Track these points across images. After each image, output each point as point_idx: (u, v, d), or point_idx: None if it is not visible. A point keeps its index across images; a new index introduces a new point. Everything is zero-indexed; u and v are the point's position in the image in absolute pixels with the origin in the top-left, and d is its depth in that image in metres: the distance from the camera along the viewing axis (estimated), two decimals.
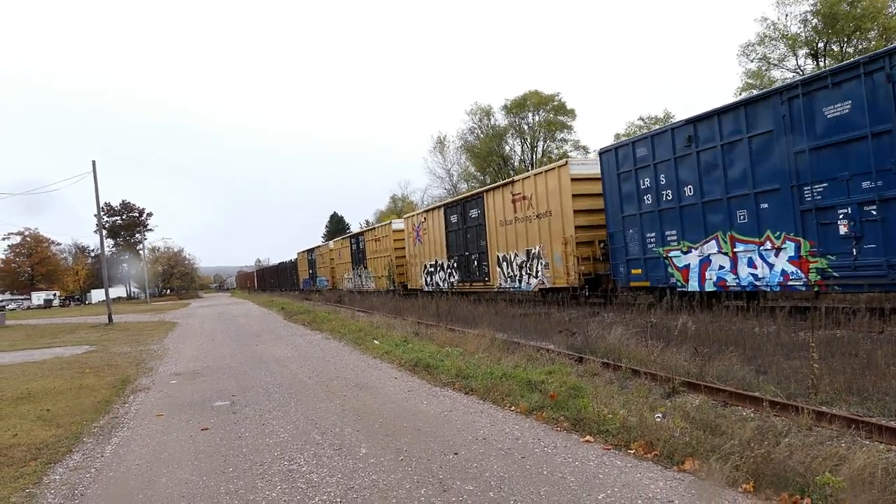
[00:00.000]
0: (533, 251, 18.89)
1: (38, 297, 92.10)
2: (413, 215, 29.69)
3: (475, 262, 22.92)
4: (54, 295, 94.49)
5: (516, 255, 19.84)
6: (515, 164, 64.73)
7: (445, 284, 25.40)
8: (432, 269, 26.82)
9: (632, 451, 5.12)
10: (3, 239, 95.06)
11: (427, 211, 28.07)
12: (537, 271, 18.71)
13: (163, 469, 5.68)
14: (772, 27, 40.20)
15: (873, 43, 36.03)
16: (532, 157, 63.97)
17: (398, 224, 32.18)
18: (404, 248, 30.59)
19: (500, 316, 15.84)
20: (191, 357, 14.26)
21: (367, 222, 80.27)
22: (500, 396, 7.29)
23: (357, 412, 7.31)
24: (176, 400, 9.04)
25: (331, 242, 47.96)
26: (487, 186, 22.60)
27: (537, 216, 18.59)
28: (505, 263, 20.63)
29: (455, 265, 24.62)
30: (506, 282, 20.59)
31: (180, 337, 20.64)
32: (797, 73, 39.86)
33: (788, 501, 3.90)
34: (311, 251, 54.70)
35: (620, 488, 4.39)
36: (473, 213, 22.97)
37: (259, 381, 10.10)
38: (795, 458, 4.35)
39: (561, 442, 5.58)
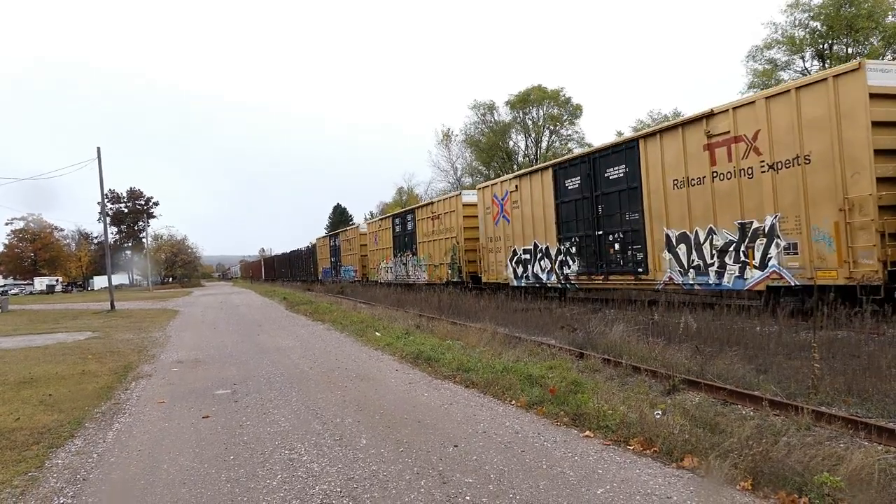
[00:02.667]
0: (755, 226, 11.80)
1: (40, 283, 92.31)
2: (495, 184, 21.54)
3: (615, 246, 15.47)
4: (57, 281, 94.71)
5: (712, 232, 12.54)
6: (520, 158, 64.64)
7: (553, 277, 18.03)
8: (527, 257, 19.32)
9: (631, 447, 5.14)
10: (7, 224, 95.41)
11: (520, 176, 19.83)
12: (766, 258, 11.68)
13: (164, 455, 5.72)
14: (779, 31, 40.06)
15: (876, 45, 35.94)
16: (536, 153, 63.85)
17: (469, 196, 24.07)
18: (477, 227, 22.83)
19: (501, 310, 15.85)
20: (193, 345, 14.31)
21: (372, 214, 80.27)
22: (501, 390, 7.32)
23: (358, 403, 7.34)
24: (178, 387, 9.09)
25: (362, 225, 40.37)
26: (646, 130, 14.79)
27: (770, 167, 11.45)
28: (683, 246, 13.35)
29: (573, 250, 17.03)
30: (684, 274, 13.36)
31: (182, 325, 20.70)
32: (804, 74, 39.75)
33: (786, 500, 3.92)
34: (334, 236, 47.07)
35: (619, 483, 4.41)
36: (613, 172, 15.47)
37: (261, 370, 10.14)
38: (794, 457, 4.36)
39: (561, 437, 5.60)
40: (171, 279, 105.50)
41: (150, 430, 6.75)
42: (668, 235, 13.87)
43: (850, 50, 37.88)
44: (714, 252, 12.63)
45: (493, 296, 19.95)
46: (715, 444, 4.74)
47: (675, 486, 4.31)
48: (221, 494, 4.63)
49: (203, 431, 6.49)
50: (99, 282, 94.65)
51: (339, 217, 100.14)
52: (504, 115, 65.60)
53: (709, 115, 12.56)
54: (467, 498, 4.30)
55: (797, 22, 39.32)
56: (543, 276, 18.61)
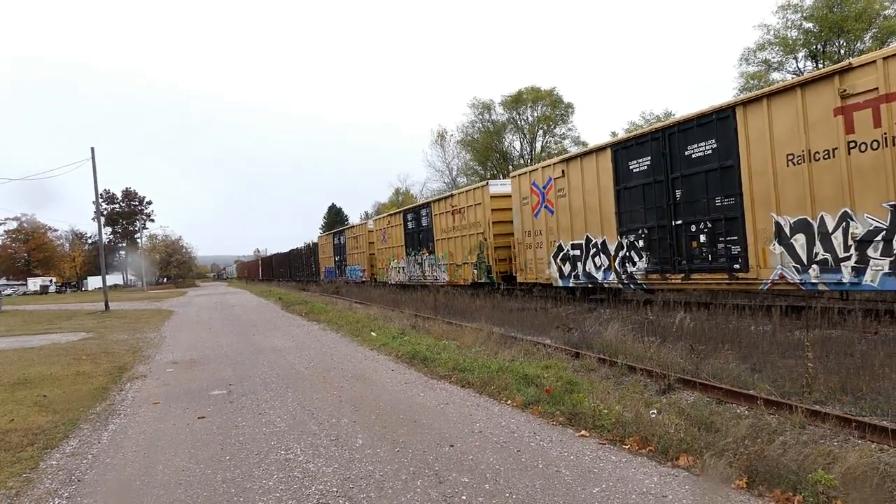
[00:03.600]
0: None
1: (34, 283, 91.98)
2: (534, 170, 18.51)
3: (700, 238, 12.56)
4: (51, 281, 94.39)
5: (847, 217, 9.79)
6: (515, 158, 64.71)
7: (611, 276, 15.15)
8: (576, 254, 16.45)
9: (626, 447, 5.16)
10: (0, 224, 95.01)
11: (568, 160, 16.89)
12: None
13: (160, 456, 5.71)
14: (771, 33, 40.22)
15: (869, 45, 36.12)
16: (531, 153, 63.93)
17: (499, 186, 21.45)
18: (509, 221, 20.11)
19: (497, 310, 15.87)
20: (188, 345, 14.28)
21: (367, 214, 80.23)
22: (497, 390, 7.33)
23: (354, 403, 7.34)
24: (173, 388, 9.07)
25: (370, 221, 37.26)
26: (746, 96, 11.85)
27: None
28: (801, 236, 10.60)
29: (638, 244, 14.19)
30: (802, 271, 10.47)
31: (177, 325, 20.65)
32: (797, 74, 39.91)
33: (781, 498, 3.94)
34: (339, 233, 43.40)
35: (615, 482, 4.42)
36: (697, 149, 12.49)
37: (256, 370, 10.13)
38: (789, 455, 4.38)
39: (556, 436, 5.61)
40: (165, 279, 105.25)
41: (145, 430, 6.73)
42: (778, 224, 10.98)
43: (843, 51, 38.06)
44: (851, 243, 9.83)
45: (489, 296, 19.95)
46: (710, 443, 4.76)
47: (671, 484, 4.33)
48: (217, 495, 4.63)
49: (198, 432, 6.47)
50: (93, 282, 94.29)
51: (335, 217, 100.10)
52: (499, 114, 65.75)
53: (844, 71, 9.96)
54: (463, 498, 4.30)
55: (790, 23, 39.51)
56: (598, 275, 15.60)
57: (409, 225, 28.25)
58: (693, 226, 12.74)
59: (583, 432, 5.64)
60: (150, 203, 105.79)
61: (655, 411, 5.90)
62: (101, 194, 34.86)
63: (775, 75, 40.62)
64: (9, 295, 77.54)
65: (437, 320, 14.56)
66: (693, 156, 12.68)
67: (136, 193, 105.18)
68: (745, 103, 11.53)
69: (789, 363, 7.35)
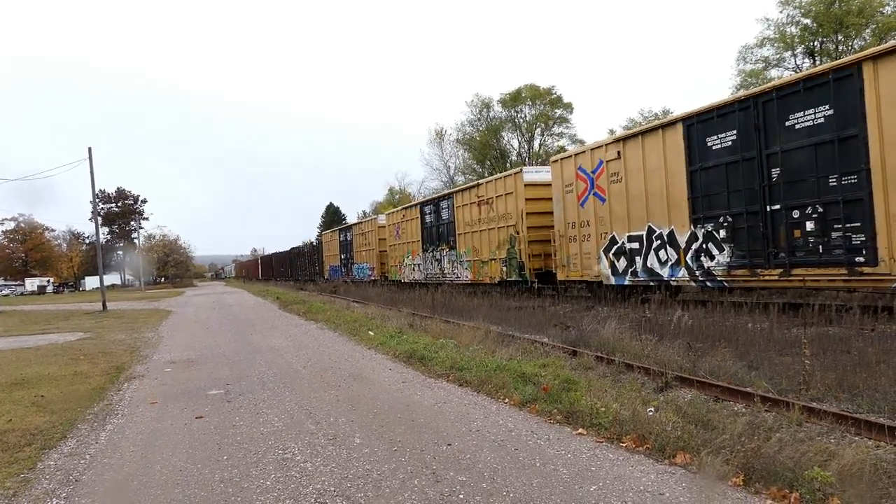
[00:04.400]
0: None
1: (31, 284, 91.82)
2: (580, 152, 16.70)
3: (806, 226, 10.68)
4: (48, 281, 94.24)
5: None
6: (513, 157, 64.71)
7: (681, 272, 13.23)
8: (634, 247, 14.54)
9: (624, 445, 5.16)
10: None
11: (625, 139, 14.89)
12: None
13: (157, 456, 5.71)
14: (772, 27, 40.29)
15: (868, 41, 36.18)
16: (529, 151, 63.94)
17: (535, 173, 19.43)
18: (546, 213, 18.14)
19: (494, 308, 15.88)
20: (185, 345, 14.27)
21: (365, 213, 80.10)
22: (494, 389, 7.33)
23: (351, 402, 7.34)
24: (170, 388, 9.06)
25: (380, 216, 34.82)
26: (875, 49, 9.74)
27: None
28: None
29: (720, 234, 12.19)
30: None
31: (175, 325, 20.63)
32: (796, 71, 39.96)
33: (778, 495, 3.95)
34: (345, 230, 41.34)
35: (612, 480, 4.43)
36: (803, 117, 10.61)
37: (254, 370, 10.12)
38: (785, 452, 4.39)
39: (554, 434, 5.62)
40: (163, 279, 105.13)
41: (142, 430, 6.73)
42: None
43: (840, 47, 38.13)
44: None
45: (487, 294, 19.92)
46: (707, 441, 4.76)
47: (668, 482, 4.34)
48: (215, 494, 4.62)
49: (196, 432, 6.47)
50: (90, 282, 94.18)
51: (332, 216, 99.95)
52: (497, 113, 65.75)
53: None
54: (461, 496, 4.31)
55: (789, 19, 39.59)
56: (664, 271, 13.69)
57: (428, 218, 26.12)
58: (796, 211, 10.76)
59: (580, 430, 5.64)
60: (144, 202, 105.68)
61: (653, 409, 5.91)
62: (97, 194, 34.77)
63: (773, 72, 40.71)
64: (6, 295, 77.43)
65: (434, 319, 14.56)
66: (798, 126, 10.66)
67: (130, 193, 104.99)
68: (876, 57, 9.54)
69: (786, 360, 7.37)
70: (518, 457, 5.04)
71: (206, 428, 6.59)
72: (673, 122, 13.43)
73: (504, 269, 19.95)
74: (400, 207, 32.19)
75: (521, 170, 19.49)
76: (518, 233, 19.10)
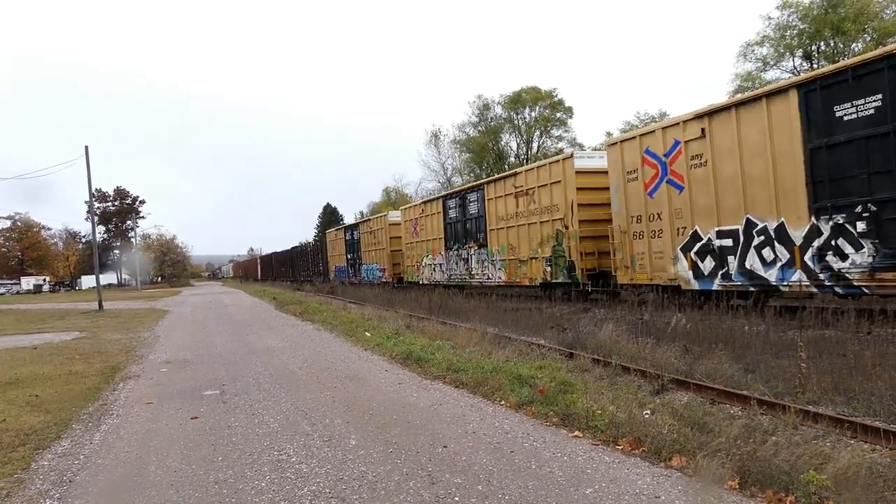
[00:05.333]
0: None
1: (27, 283, 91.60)
2: (648, 132, 14.29)
3: None
4: (44, 280, 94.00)
5: None
6: (511, 159, 64.77)
7: (795, 275, 10.81)
8: (725, 244, 12.11)
9: (620, 447, 5.16)
10: None
11: (711, 113, 12.33)
12: None
13: (152, 457, 5.69)
14: (772, 25, 40.41)
15: (864, 45, 36.33)
16: (528, 153, 63.99)
17: (587, 159, 17.02)
18: (601, 204, 15.92)
19: (491, 310, 15.88)
20: (181, 345, 14.23)
21: (362, 213, 79.99)
22: (490, 390, 7.32)
23: (347, 404, 7.32)
24: (166, 388, 9.03)
25: (395, 213, 31.87)
26: None
27: None
28: None
29: (856, 228, 9.81)
30: None
31: (171, 325, 20.58)
32: (793, 73, 40.08)
33: (773, 499, 3.95)
34: (352, 228, 38.43)
35: (608, 483, 4.42)
36: None
37: (250, 370, 10.10)
38: (781, 456, 4.39)
39: (550, 437, 5.61)
40: (159, 279, 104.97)
41: (137, 431, 6.70)
42: None
43: (837, 51, 38.25)
44: None
45: (484, 296, 19.87)
46: (703, 444, 4.76)
47: (664, 485, 4.33)
48: (209, 496, 4.61)
49: (191, 432, 6.45)
50: (87, 281, 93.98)
51: (330, 217, 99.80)
52: (497, 114, 65.83)
53: None
54: (456, 499, 4.30)
55: (788, 22, 39.73)
56: (770, 274, 11.22)
57: (452, 213, 23.54)
58: None
59: (576, 433, 5.63)
60: (143, 202, 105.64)
61: (649, 412, 5.91)
62: (94, 193, 34.70)
63: (771, 74, 40.85)
64: (2, 294, 77.33)
65: (431, 320, 14.55)
66: None
67: (128, 192, 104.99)
68: None
69: (783, 363, 7.37)
70: (514, 459, 5.04)
71: (202, 428, 6.57)
72: (782, 90, 10.93)
73: (548, 269, 17.38)
74: (419, 201, 29.33)
75: (571, 154, 17.04)
76: (567, 227, 16.55)
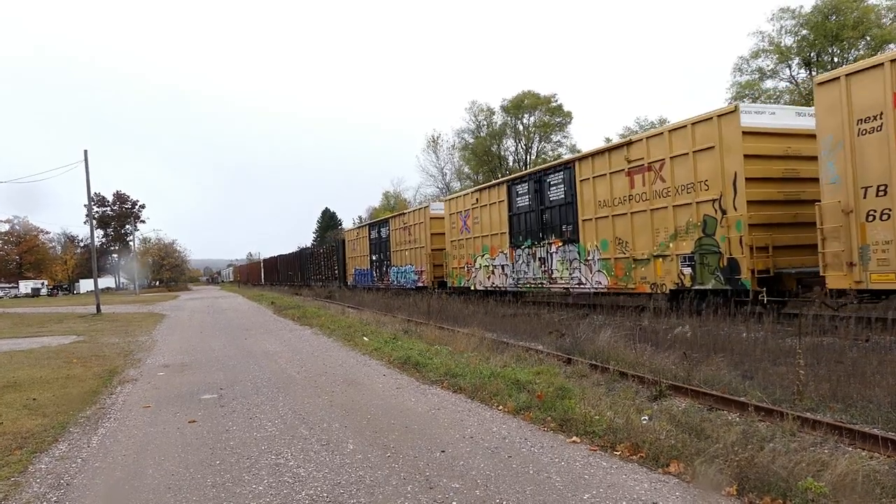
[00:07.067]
0: None
1: (25, 286, 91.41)
2: None
3: None
4: (42, 284, 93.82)
5: None
6: (510, 164, 64.87)
7: None
8: None
9: (618, 453, 5.16)
10: None
11: None
12: None
13: (149, 460, 5.67)
14: (766, 40, 40.56)
15: (862, 52, 36.47)
16: (527, 158, 64.12)
17: (769, 116, 12.54)
18: (792, 178, 12.19)
19: (489, 315, 15.87)
20: (179, 349, 14.21)
21: (361, 218, 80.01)
22: (488, 396, 7.32)
23: (345, 408, 7.31)
24: (164, 392, 9.01)
25: (434, 204, 27.86)
26: None
27: None
28: None
29: None
30: None
31: (169, 329, 20.55)
32: (791, 82, 40.26)
33: None
34: (379, 224, 33.41)
35: (606, 489, 4.42)
36: None
37: (247, 374, 10.08)
38: (779, 462, 4.39)
39: (547, 442, 5.61)
40: (157, 283, 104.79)
41: (135, 434, 6.69)
42: None
43: (835, 59, 38.41)
44: None
45: (482, 300, 19.81)
46: (701, 450, 4.76)
47: (661, 491, 4.33)
48: (207, 499, 4.60)
49: (189, 436, 6.44)
50: (85, 285, 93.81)
51: (328, 222, 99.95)
52: (497, 120, 66.01)
53: None
54: (454, 503, 4.29)
55: (785, 30, 39.87)
56: None
57: (521, 201, 19.23)
58: None
59: (574, 438, 5.63)
60: (143, 207, 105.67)
61: (647, 418, 5.91)
62: (92, 197, 34.68)
63: (769, 83, 40.97)
64: (0, 298, 77.05)
65: (429, 325, 14.55)
66: None
67: (128, 196, 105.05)
68: None
69: (781, 370, 7.38)
70: (511, 464, 5.03)
71: (199, 432, 6.56)
72: None
73: (688, 271, 13.01)
74: (471, 189, 24.30)
75: (735, 108, 12.06)
76: (724, 212, 12.11)
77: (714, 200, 12.34)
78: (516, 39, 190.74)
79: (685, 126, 13.00)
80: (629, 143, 14.76)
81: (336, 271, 41.59)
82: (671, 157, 13.34)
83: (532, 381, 7.63)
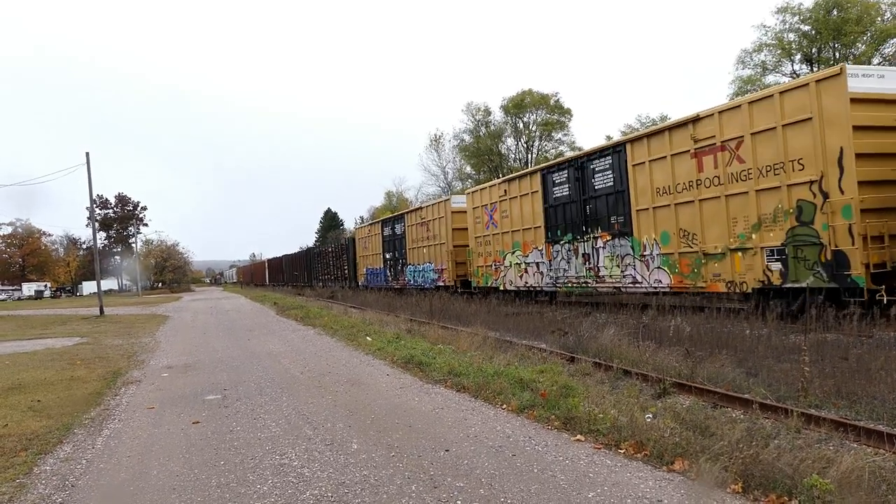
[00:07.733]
0: None
1: (28, 288, 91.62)
2: None
3: None
4: (45, 286, 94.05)
5: None
6: (510, 163, 64.82)
7: None
8: None
9: (622, 451, 5.15)
10: None
11: None
12: None
13: (154, 461, 5.68)
14: (769, 34, 40.51)
15: (863, 48, 36.41)
16: (528, 157, 64.06)
17: (865, 79, 10.23)
18: None
19: (492, 314, 15.86)
20: (182, 350, 14.23)
21: (363, 219, 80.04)
22: (492, 394, 7.31)
23: (349, 408, 7.32)
24: (167, 393, 9.03)
25: (456, 198, 25.86)
26: None
27: None
28: None
29: None
30: None
31: (172, 330, 20.58)
32: (793, 77, 40.13)
33: (776, 502, 3.94)
34: (394, 220, 31.37)
35: (610, 487, 4.41)
36: None
37: (251, 375, 10.09)
38: (784, 459, 4.38)
39: (552, 440, 5.60)
40: (160, 284, 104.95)
41: (139, 435, 6.70)
42: None
43: (837, 54, 38.34)
44: None
45: (485, 299, 19.82)
46: (705, 447, 4.75)
47: (666, 489, 4.32)
48: (212, 500, 4.60)
49: (193, 437, 6.45)
50: (88, 287, 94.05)
51: (330, 222, 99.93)
52: (498, 118, 65.95)
53: None
54: (458, 502, 4.29)
55: (788, 26, 39.82)
56: None
57: (559, 191, 17.34)
58: None
59: (578, 437, 5.63)
60: (144, 209, 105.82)
61: (651, 415, 5.90)
62: (95, 199, 34.71)
63: (770, 78, 40.88)
64: (3, 300, 77.30)
65: (432, 325, 14.54)
66: None
67: (130, 198, 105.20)
68: None
69: (785, 367, 7.36)
70: (516, 463, 5.03)
71: (203, 433, 6.57)
72: None
73: (776, 266, 11.13)
74: (499, 180, 21.68)
75: (841, 69, 10.14)
76: (825, 195, 10.26)
77: (812, 182, 10.46)
78: (516, 39, 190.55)
79: (771, 96, 11.20)
80: (696, 120, 12.68)
81: (346, 271, 39.98)
82: (752, 134, 11.47)
83: (535, 379, 7.62)
